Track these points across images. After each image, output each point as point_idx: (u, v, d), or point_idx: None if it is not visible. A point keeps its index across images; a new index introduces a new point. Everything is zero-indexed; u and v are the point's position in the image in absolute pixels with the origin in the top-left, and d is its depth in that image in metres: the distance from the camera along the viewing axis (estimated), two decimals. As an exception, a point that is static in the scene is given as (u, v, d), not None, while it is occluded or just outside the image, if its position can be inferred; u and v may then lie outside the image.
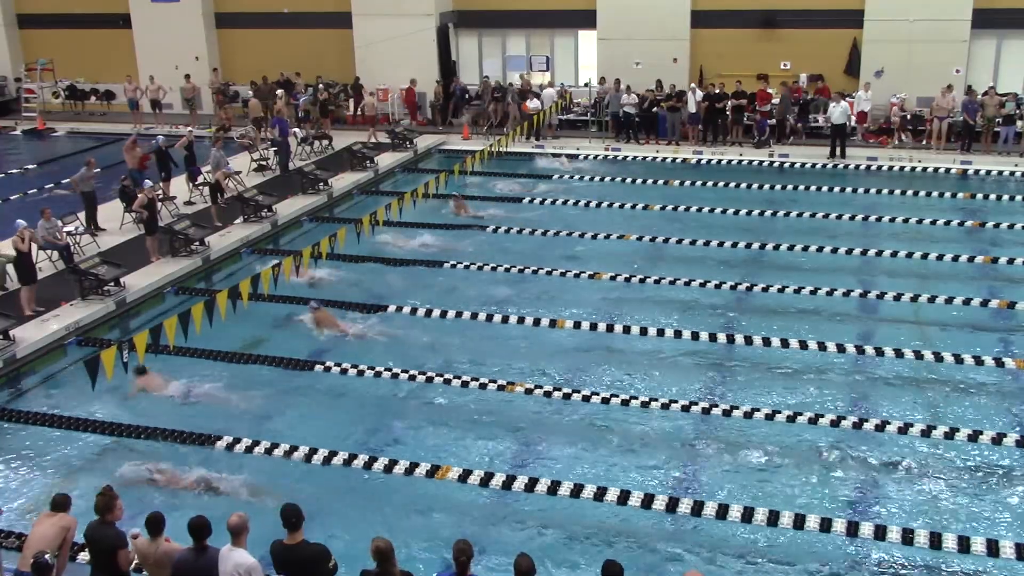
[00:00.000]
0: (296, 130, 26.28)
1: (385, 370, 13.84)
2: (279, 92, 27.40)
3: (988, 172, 23.40)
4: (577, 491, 10.75)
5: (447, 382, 13.49)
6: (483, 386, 13.34)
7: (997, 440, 11.64)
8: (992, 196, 21.93)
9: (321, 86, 29.34)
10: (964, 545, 9.73)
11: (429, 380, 13.58)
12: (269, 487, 10.92)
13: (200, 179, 22.33)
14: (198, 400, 13.21)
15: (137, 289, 16.87)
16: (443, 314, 15.82)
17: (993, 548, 9.69)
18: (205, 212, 20.84)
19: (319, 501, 10.44)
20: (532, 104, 27.44)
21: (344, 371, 13.87)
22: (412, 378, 13.65)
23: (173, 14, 31.66)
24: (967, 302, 15.64)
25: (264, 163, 24.76)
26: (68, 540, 8.69)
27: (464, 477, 11.10)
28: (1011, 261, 17.45)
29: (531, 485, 10.89)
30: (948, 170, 23.70)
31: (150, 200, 18.36)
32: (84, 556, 9.51)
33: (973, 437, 11.67)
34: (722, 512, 10.35)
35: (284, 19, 31.18)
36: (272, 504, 9.41)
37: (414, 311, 15.94)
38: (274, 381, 13.83)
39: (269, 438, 12.04)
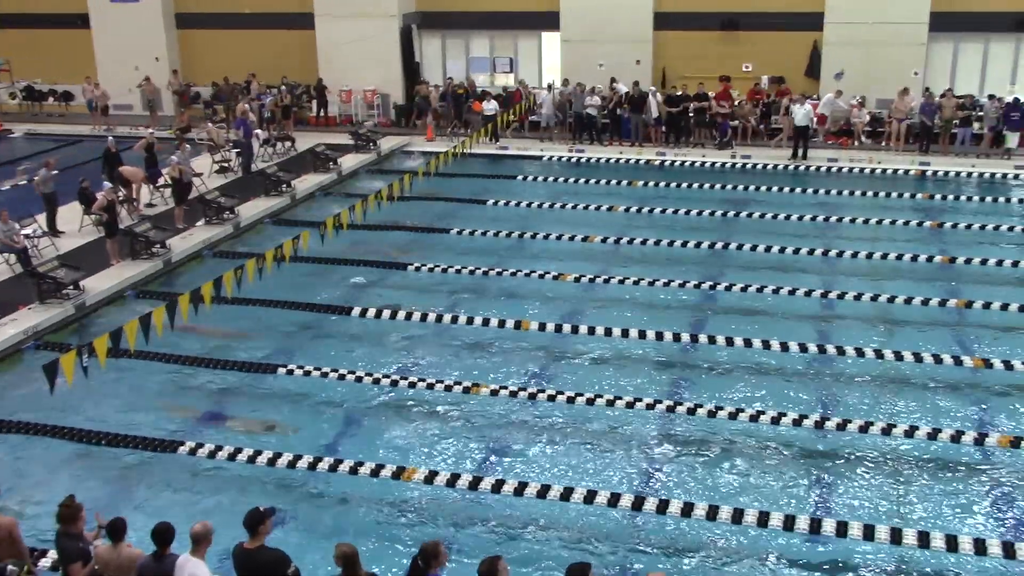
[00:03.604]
0: (258, 131, 26.08)
1: (349, 372, 13.76)
2: (245, 105, 26.99)
3: (946, 173, 23.75)
4: (543, 491, 10.75)
5: (412, 385, 13.44)
6: (448, 388, 13.30)
7: (955, 437, 11.77)
8: (950, 196, 22.27)
9: (284, 88, 29.17)
10: (952, 544, 9.72)
11: (394, 383, 13.52)
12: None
13: (160, 181, 22.10)
14: (160, 405, 13.07)
15: (97, 292, 16.65)
16: (408, 316, 15.76)
17: (980, 547, 9.71)
18: (166, 214, 20.62)
19: (284, 506, 10.37)
20: (487, 105, 27.39)
21: (307, 373, 13.78)
22: (376, 381, 13.57)
23: (132, 14, 31.29)
24: (926, 302, 15.84)
25: (226, 164, 24.56)
26: (17, 540, 8.51)
27: (430, 479, 11.06)
28: (968, 261, 17.70)
29: (497, 486, 10.85)
30: (907, 171, 24.03)
31: (110, 202, 18.12)
32: (44, 563, 9.39)
33: (932, 435, 11.79)
34: (687, 510, 10.36)
35: (246, 20, 30.93)
36: None
37: (379, 313, 15.87)
38: (240, 383, 13.75)
39: (232, 443, 11.93)
